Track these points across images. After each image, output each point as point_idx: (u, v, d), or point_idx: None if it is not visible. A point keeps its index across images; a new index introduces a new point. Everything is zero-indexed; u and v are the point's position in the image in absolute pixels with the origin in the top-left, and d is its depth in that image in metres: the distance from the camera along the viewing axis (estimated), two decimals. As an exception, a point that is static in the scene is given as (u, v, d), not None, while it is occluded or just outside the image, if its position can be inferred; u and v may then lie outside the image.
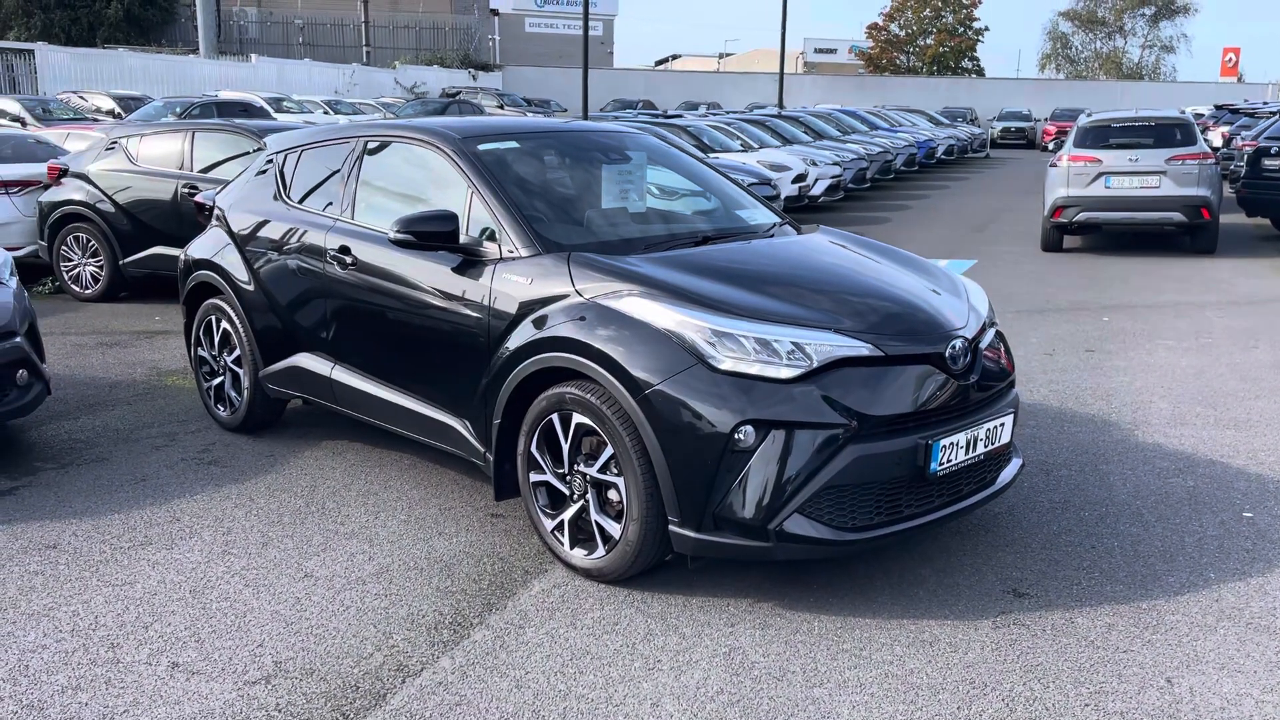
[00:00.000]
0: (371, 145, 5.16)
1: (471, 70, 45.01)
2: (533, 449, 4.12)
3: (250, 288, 5.52)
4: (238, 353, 5.68)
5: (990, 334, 4.27)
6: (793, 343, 3.67)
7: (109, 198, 9.67)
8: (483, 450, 4.38)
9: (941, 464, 3.77)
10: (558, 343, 3.96)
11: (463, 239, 4.40)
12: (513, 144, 4.91)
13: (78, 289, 9.98)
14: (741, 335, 3.67)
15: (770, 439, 3.58)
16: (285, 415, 6.02)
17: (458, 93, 37.54)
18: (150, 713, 3.16)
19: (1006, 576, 4.05)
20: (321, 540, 4.44)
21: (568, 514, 4.05)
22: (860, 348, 3.73)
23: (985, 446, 3.96)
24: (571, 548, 4.06)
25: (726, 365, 3.63)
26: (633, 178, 5.23)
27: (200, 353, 6.00)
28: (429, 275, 4.53)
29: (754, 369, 3.62)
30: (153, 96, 27.99)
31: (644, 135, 5.56)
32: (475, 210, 4.48)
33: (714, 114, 24.99)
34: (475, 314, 4.33)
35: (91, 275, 9.91)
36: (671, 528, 3.72)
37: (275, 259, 5.38)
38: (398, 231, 4.34)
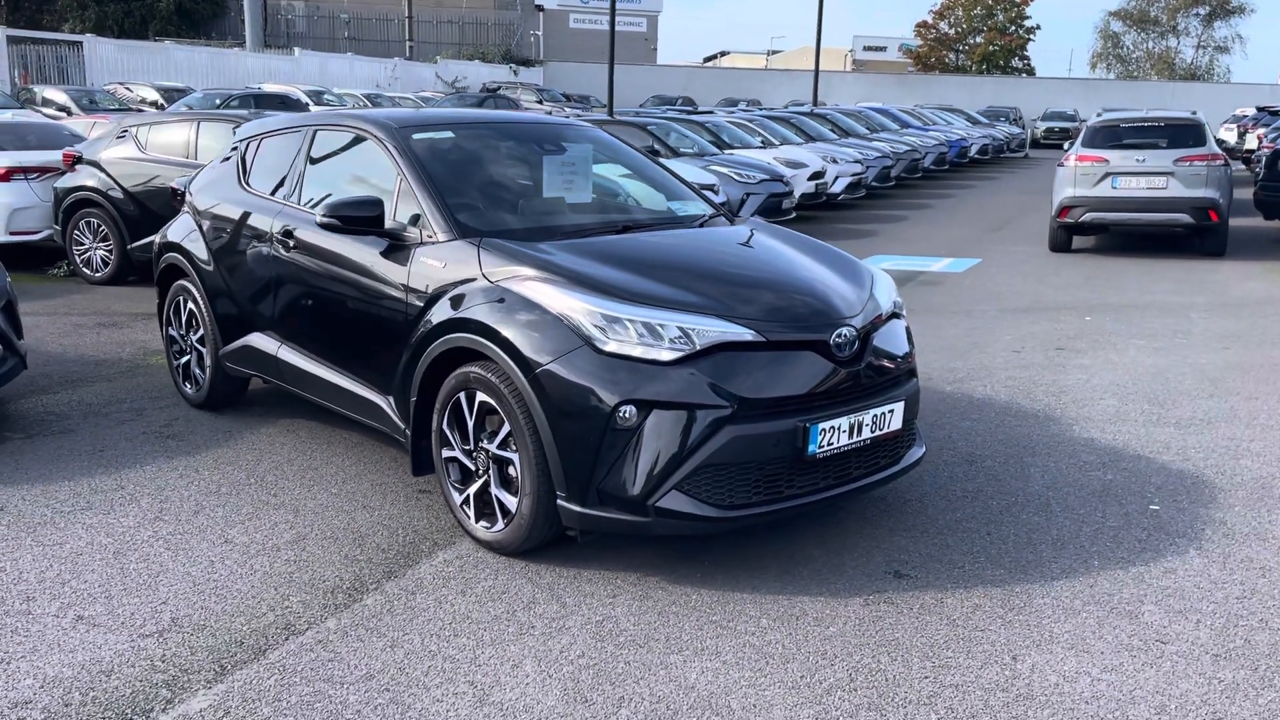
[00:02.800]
0: (320, 134, 5.38)
1: (513, 65, 45.43)
2: (444, 426, 4.31)
3: (211, 269, 5.77)
4: (201, 332, 5.94)
5: (890, 325, 4.39)
6: (678, 327, 3.82)
7: (118, 184, 10.03)
8: (403, 427, 4.57)
9: (821, 447, 3.90)
10: (463, 324, 4.14)
11: (389, 224, 4.61)
12: (447, 134, 5.10)
13: (89, 272, 10.35)
14: (628, 319, 3.83)
15: (650, 418, 3.74)
16: (251, 394, 6.25)
17: (497, 88, 37.91)
18: (45, 658, 3.39)
19: (893, 559, 4.17)
20: (251, 510, 4.66)
21: (473, 488, 4.23)
22: (743, 333, 3.87)
23: (872, 432, 4.08)
24: (476, 521, 4.24)
25: (611, 347, 3.79)
26: (576, 169, 5.38)
27: (170, 332, 6.27)
28: (360, 258, 4.73)
29: (637, 351, 3.78)
30: (196, 89, 28.59)
31: (590, 129, 5.73)
32: (403, 196, 4.67)
33: (741, 111, 25.05)
34: (397, 295, 4.53)
35: (101, 259, 10.27)
36: (559, 502, 3.89)
37: (232, 242, 5.62)
38: (324, 215, 4.56)
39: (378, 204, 4.55)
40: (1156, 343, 8.03)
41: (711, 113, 24.20)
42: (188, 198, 6.18)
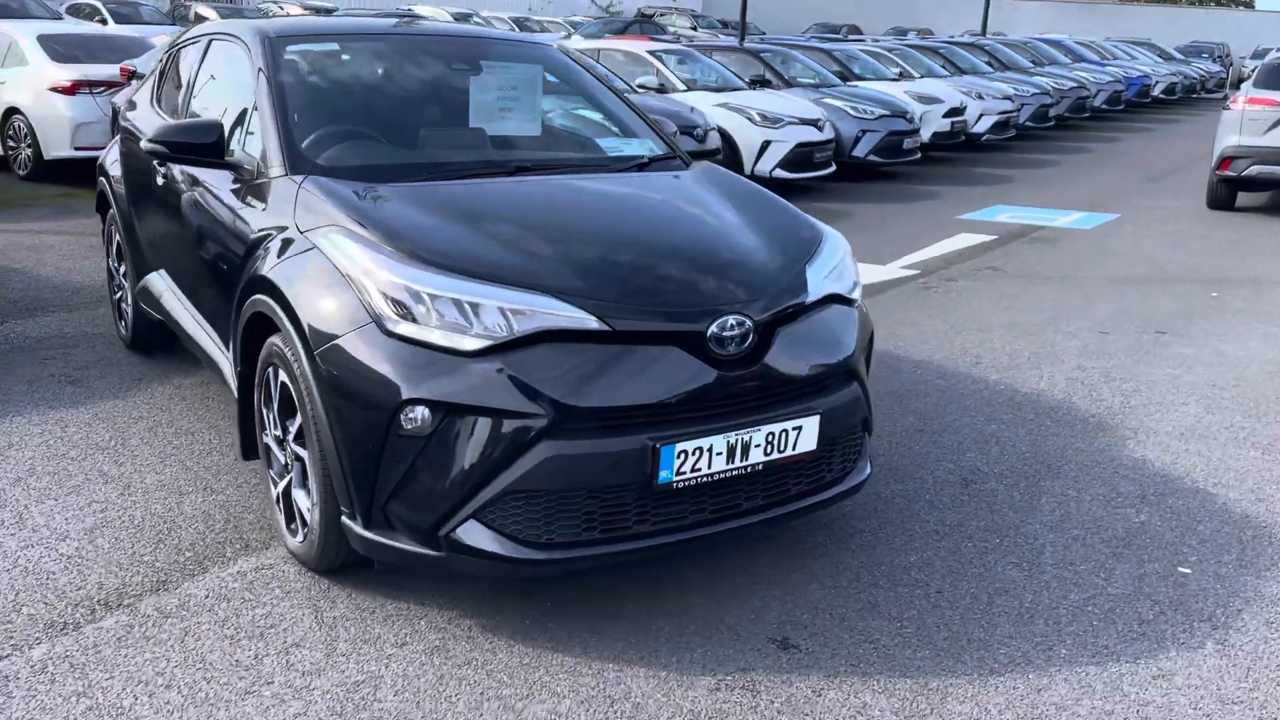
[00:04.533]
0: (214, 44, 4.62)
1: (673, -11, 43.94)
2: (262, 405, 3.54)
3: (125, 198, 5.15)
4: (125, 267, 5.34)
5: (823, 315, 3.33)
6: (499, 308, 2.90)
7: (164, 101, 9.60)
8: (236, 396, 3.82)
9: (679, 474, 2.93)
10: (262, 284, 3.34)
11: (235, 153, 3.82)
12: (331, 46, 4.26)
13: (138, 191, 10.03)
14: (430, 293, 2.92)
15: (442, 424, 2.85)
16: (187, 337, 5.63)
17: (653, 13, 36.68)
18: None
19: (791, 619, 3.17)
20: (79, 483, 4.01)
21: (282, 485, 3.45)
22: (582, 318, 2.92)
23: (766, 454, 3.07)
24: (287, 524, 3.46)
25: (403, 329, 2.91)
26: (505, 95, 4.44)
27: (109, 264, 5.71)
28: (214, 192, 3.98)
29: (434, 336, 2.89)
30: (341, 6, 28.59)
31: (538, 48, 4.78)
32: (255, 119, 3.87)
33: (888, 39, 23.23)
34: (232, 239, 3.75)
35: (150, 178, 9.92)
36: (343, 519, 3.06)
37: (135, 169, 4.97)
38: (150, 141, 3.79)
39: (212, 129, 3.75)
40: (1288, 331, 6.55)
41: (862, 39, 22.56)
42: (119, 118, 5.55)
